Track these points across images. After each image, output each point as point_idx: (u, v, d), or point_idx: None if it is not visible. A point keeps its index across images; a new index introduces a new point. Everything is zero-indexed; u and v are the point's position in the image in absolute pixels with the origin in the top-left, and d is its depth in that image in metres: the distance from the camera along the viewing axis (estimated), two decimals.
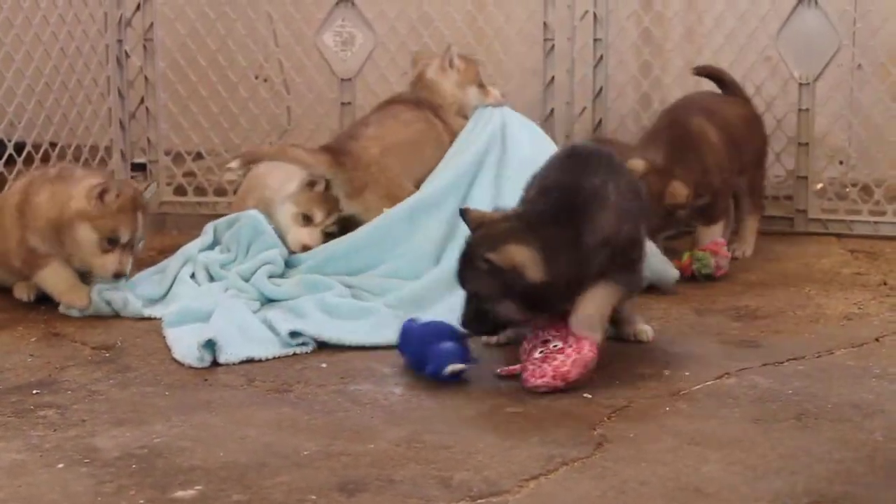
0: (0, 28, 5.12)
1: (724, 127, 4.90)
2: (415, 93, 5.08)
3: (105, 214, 4.33)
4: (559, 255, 3.59)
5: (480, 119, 4.90)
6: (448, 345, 3.66)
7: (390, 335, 3.95)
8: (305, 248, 4.68)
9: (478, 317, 3.66)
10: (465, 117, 4.96)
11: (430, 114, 4.99)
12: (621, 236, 3.66)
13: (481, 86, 5.03)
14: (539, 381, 3.58)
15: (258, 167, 4.95)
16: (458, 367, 3.62)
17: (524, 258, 3.58)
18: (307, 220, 4.73)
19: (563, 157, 3.89)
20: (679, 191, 4.62)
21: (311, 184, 4.75)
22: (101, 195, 4.33)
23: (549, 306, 3.66)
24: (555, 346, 3.64)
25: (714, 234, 4.81)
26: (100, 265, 4.35)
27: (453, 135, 4.92)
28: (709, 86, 5.26)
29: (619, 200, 3.67)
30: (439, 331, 3.71)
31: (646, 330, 3.97)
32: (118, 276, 4.36)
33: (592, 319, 3.64)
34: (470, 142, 4.84)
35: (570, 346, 3.62)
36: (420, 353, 3.69)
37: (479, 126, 4.88)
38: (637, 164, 4.52)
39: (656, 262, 4.43)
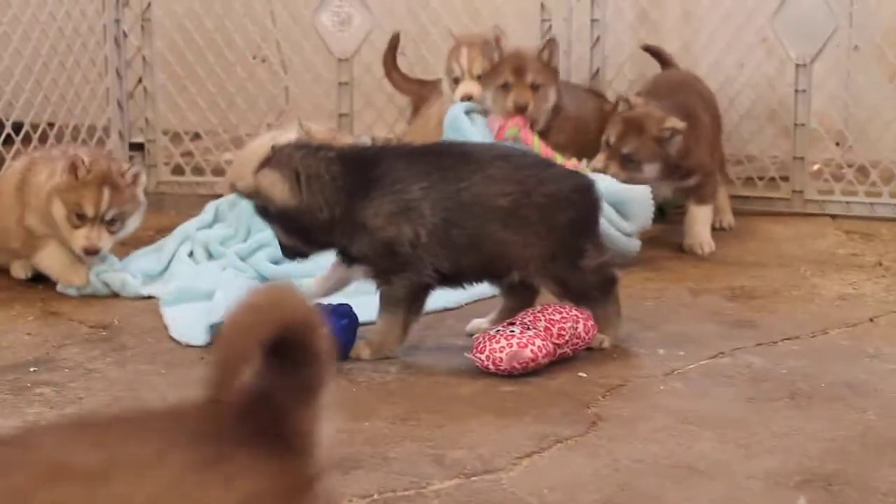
0: None
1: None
2: None
3: (70, 188, 4.29)
4: (318, 188, 3.59)
5: None
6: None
7: None
8: None
9: (279, 244, 3.77)
10: None
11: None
12: (382, 232, 3.59)
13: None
14: (474, 356, 3.53)
15: (253, 142, 5.03)
16: None
17: (269, 182, 3.61)
18: None
19: (435, 145, 3.97)
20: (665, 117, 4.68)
21: None
22: (72, 169, 4.29)
23: (317, 238, 3.66)
24: (511, 331, 3.55)
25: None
26: (72, 241, 4.32)
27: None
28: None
29: (408, 200, 3.59)
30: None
31: (602, 339, 3.72)
32: (89, 251, 4.30)
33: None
34: None
35: (518, 339, 3.52)
36: None
37: None
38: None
39: (617, 236, 4.38)
